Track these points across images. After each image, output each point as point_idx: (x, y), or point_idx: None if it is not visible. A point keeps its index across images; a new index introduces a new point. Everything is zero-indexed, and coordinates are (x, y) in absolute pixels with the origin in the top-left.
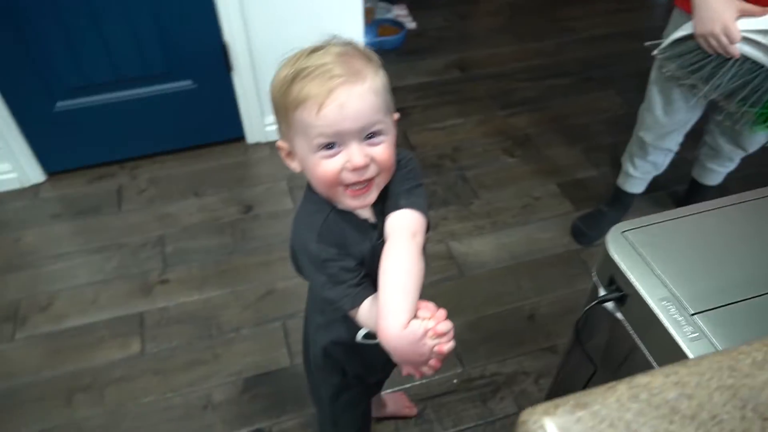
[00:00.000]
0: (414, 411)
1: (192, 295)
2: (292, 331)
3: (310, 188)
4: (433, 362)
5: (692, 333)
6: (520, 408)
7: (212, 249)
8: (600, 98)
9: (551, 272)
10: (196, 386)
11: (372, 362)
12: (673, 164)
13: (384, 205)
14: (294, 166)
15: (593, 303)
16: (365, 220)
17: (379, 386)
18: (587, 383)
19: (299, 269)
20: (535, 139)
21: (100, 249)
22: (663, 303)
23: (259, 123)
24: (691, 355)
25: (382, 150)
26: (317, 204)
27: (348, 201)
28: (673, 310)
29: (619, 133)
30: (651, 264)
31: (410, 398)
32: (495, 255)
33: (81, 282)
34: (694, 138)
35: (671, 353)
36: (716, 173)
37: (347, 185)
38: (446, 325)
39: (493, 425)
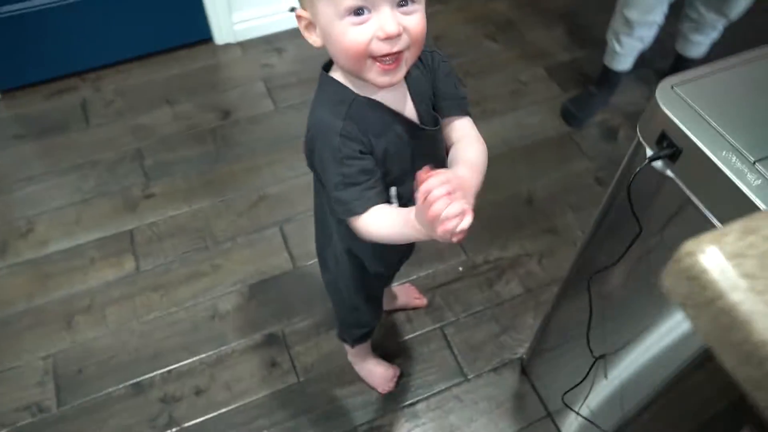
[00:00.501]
0: (424, 301)
1: (181, 208)
2: (291, 235)
3: (326, 78)
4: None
5: (756, 180)
6: (527, 288)
7: (194, 159)
8: None
9: (545, 156)
10: (200, 298)
11: (392, 260)
12: (657, 41)
13: (427, 102)
14: (314, 39)
15: (647, 161)
16: (392, 111)
17: (390, 277)
18: (630, 245)
19: (312, 164)
20: (518, 23)
21: (74, 168)
22: (723, 153)
23: (227, 21)
24: (759, 203)
25: (416, 20)
26: (338, 93)
27: (376, 77)
28: (734, 159)
29: (600, 11)
30: (705, 116)
31: (419, 289)
32: (488, 143)
33: (59, 204)
34: (675, 12)
35: (733, 204)
36: (700, 45)
37: (376, 58)
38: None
39: (502, 306)
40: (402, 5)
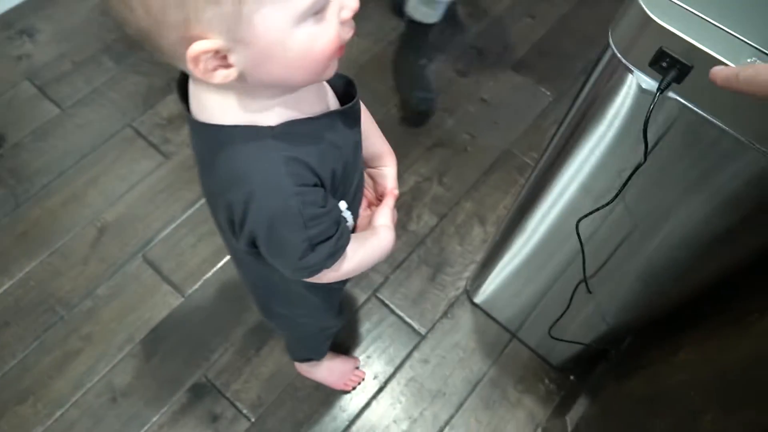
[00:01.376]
0: None
1: (1, 283)
2: (159, 260)
3: (226, 132)
4: None
5: None
6: (440, 215)
7: None
8: None
9: (402, 66)
10: (86, 383)
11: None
12: None
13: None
14: (224, 74)
15: (658, 93)
16: (328, 114)
17: None
18: (629, 179)
19: (243, 234)
20: None
21: None
22: (748, 61)
23: None
24: None
25: None
26: (251, 136)
27: (330, 71)
28: (759, 62)
29: None
30: (708, 18)
31: None
32: None
33: None
34: None
35: (754, 109)
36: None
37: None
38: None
39: (424, 245)
40: None
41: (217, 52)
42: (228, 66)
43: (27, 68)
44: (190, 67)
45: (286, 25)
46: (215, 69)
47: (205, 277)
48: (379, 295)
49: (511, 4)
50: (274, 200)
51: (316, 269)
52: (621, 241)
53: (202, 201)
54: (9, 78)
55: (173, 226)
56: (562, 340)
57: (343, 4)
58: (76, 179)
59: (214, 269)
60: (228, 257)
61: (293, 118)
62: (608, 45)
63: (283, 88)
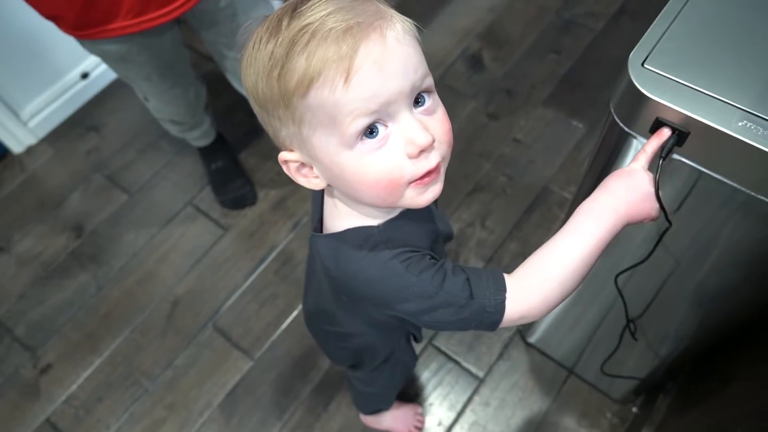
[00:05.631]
0: None
1: (91, 362)
2: (228, 328)
3: (334, 237)
4: None
5: None
6: (485, 258)
7: (73, 298)
8: None
9: None
10: None
11: None
12: None
13: None
14: (314, 182)
15: (661, 160)
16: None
17: None
18: (659, 240)
19: (366, 301)
20: None
21: None
22: (740, 124)
23: (15, 122)
24: None
25: (441, 117)
26: (360, 237)
27: (417, 199)
28: (751, 126)
29: None
30: (699, 88)
31: None
32: None
33: None
34: None
35: (755, 167)
36: None
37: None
38: None
39: None
40: (419, 104)
41: (300, 163)
42: (317, 176)
43: (96, 161)
44: (283, 167)
45: (337, 148)
46: (307, 176)
47: (271, 340)
48: (435, 343)
49: (534, 42)
50: (395, 281)
51: (492, 303)
52: (664, 280)
53: (261, 268)
54: (82, 172)
55: (237, 293)
56: (616, 376)
57: (410, 138)
58: (148, 258)
59: (279, 331)
60: (291, 318)
61: (394, 216)
62: (610, 112)
63: (374, 207)
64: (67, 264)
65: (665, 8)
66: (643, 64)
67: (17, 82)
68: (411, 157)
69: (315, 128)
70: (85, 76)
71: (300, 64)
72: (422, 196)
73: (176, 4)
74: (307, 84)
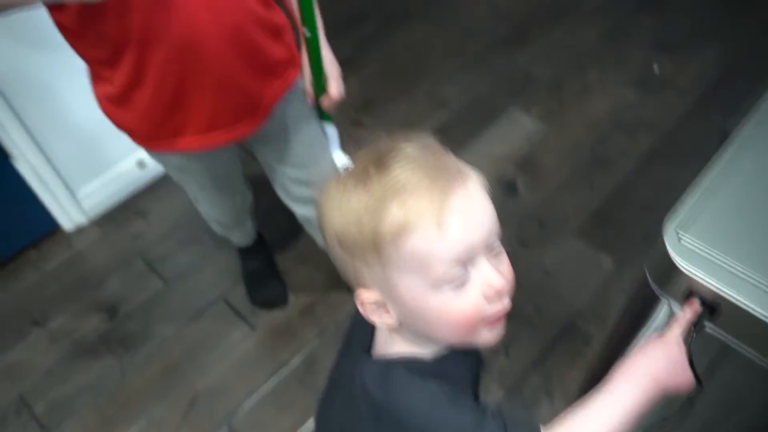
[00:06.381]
0: None
1: None
2: (242, 429)
3: (388, 366)
4: None
5: None
6: (508, 389)
7: (96, 381)
8: None
9: None
10: None
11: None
12: None
13: None
14: (388, 322)
15: (693, 332)
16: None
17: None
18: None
19: None
20: None
21: None
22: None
23: (70, 201)
24: None
25: (507, 262)
26: (411, 367)
27: (488, 337)
28: None
29: None
30: (731, 267)
31: None
32: None
33: None
34: None
35: None
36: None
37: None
38: None
39: None
40: (491, 249)
41: (377, 302)
42: (390, 315)
43: (139, 246)
44: (358, 306)
45: (424, 291)
46: (380, 315)
47: None
48: None
49: (570, 174)
50: (439, 414)
51: None
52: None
53: (283, 372)
54: (125, 255)
55: (256, 396)
56: None
57: (489, 282)
58: (174, 349)
59: None
60: (304, 428)
61: (445, 354)
62: (645, 274)
63: (444, 342)
64: (96, 345)
65: (699, 176)
66: (677, 233)
67: (77, 163)
68: (488, 299)
69: (403, 272)
70: (141, 164)
71: (394, 213)
72: (492, 333)
73: (242, 127)
74: (400, 232)
